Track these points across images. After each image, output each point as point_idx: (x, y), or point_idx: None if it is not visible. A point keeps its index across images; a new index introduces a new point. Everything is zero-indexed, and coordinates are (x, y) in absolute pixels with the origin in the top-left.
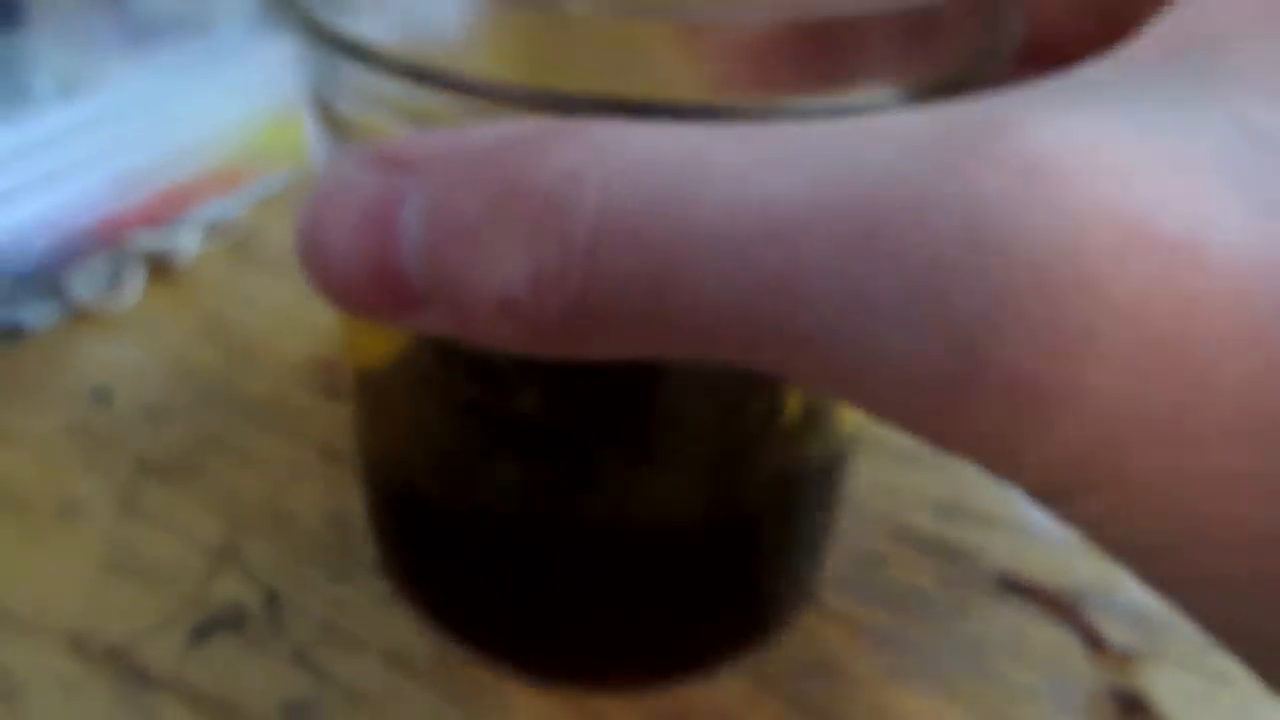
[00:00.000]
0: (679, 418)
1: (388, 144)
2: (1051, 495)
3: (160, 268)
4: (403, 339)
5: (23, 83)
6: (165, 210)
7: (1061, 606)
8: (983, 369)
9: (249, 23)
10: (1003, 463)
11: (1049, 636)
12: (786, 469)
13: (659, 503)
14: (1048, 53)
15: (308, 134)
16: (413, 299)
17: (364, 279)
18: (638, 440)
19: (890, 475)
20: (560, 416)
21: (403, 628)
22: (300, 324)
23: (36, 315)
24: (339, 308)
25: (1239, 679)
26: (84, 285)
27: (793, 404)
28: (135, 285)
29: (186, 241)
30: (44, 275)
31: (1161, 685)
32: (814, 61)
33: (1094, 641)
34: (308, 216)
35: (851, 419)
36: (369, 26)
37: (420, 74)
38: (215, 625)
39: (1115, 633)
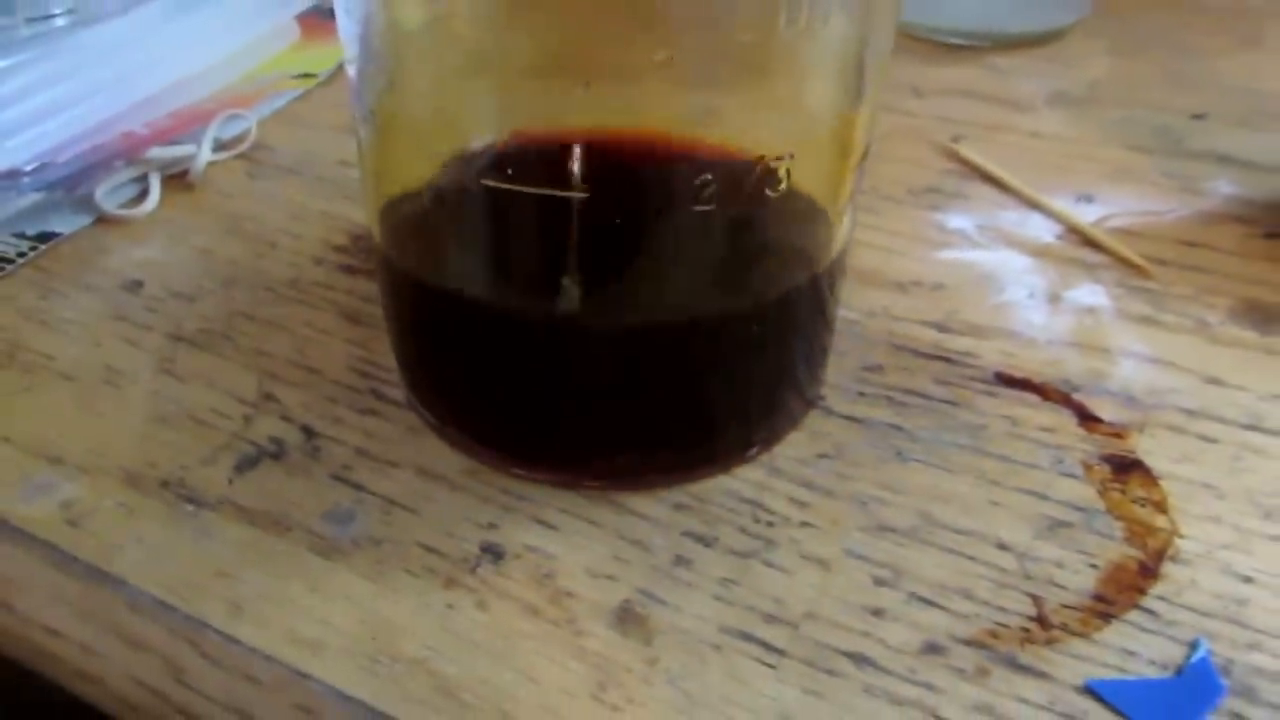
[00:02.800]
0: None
1: None
2: None
3: (176, 178)
4: (436, 157)
5: (42, 11)
6: (179, 128)
7: (1055, 393)
8: None
9: None
10: None
11: (1044, 419)
12: (790, 274)
13: (677, 296)
14: None
15: (343, 40)
16: None
17: None
18: (654, 224)
19: (889, 301)
20: (582, 202)
21: (433, 448)
22: (313, 216)
23: (65, 223)
24: None
25: (1226, 438)
26: (107, 196)
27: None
28: (154, 194)
29: (200, 154)
30: (70, 188)
31: (1153, 449)
32: None
33: (1087, 418)
34: None
35: (841, 232)
36: None
37: None
38: (258, 457)
39: (1107, 413)
